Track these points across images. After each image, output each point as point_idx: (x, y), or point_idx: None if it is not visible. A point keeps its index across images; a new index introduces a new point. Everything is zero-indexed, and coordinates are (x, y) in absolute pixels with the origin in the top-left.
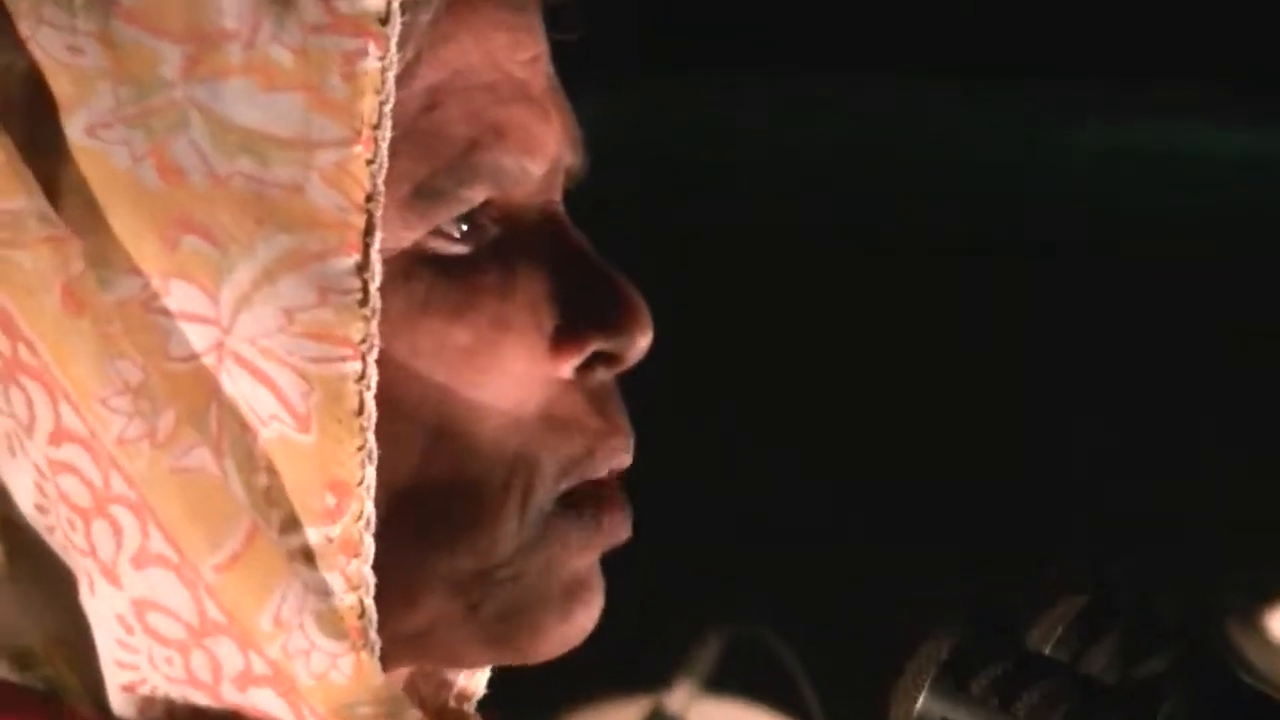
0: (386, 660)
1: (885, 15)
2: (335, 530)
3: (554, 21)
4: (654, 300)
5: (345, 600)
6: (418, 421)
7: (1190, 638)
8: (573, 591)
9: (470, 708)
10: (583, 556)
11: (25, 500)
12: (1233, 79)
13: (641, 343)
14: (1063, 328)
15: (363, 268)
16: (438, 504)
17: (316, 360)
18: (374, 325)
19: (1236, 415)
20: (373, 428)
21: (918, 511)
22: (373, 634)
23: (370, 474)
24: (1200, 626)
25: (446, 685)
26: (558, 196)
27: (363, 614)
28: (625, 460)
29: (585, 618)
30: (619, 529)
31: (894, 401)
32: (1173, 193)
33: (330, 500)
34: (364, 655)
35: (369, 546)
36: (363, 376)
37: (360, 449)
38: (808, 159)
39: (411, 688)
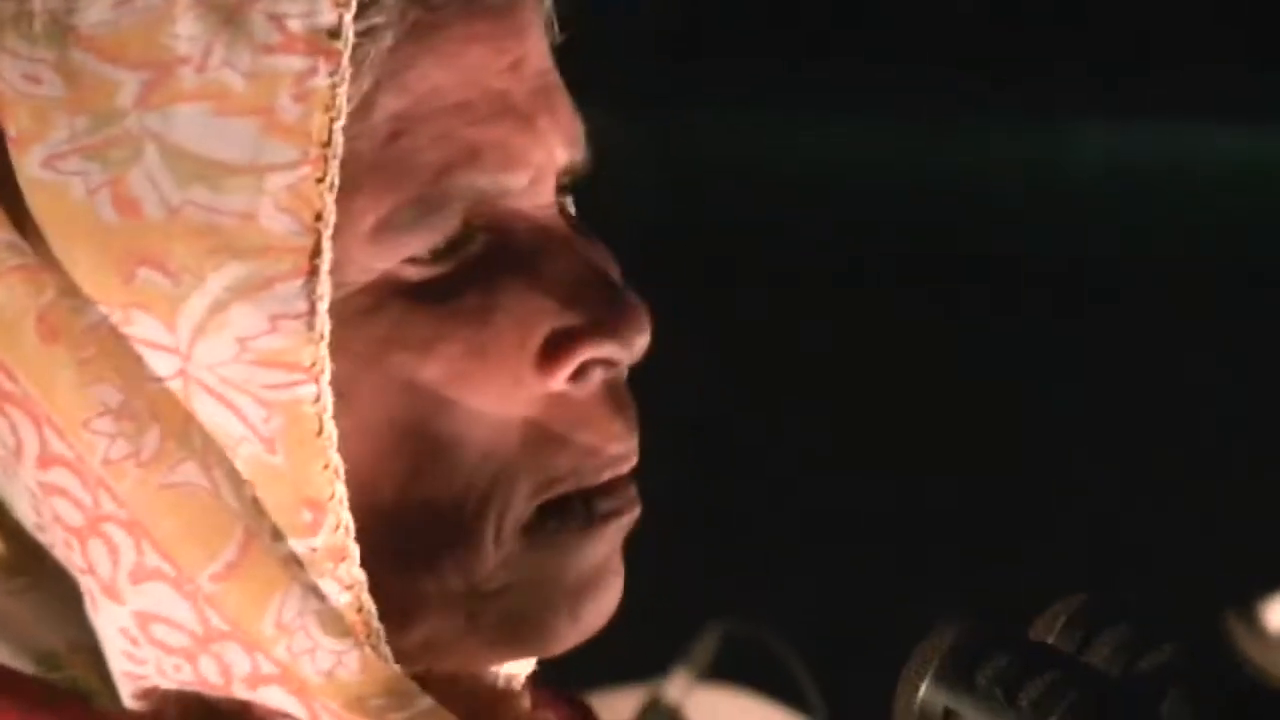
0: (403, 663)
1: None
2: (318, 541)
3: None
4: (663, 291)
5: (342, 599)
6: (393, 449)
7: (1193, 630)
8: (579, 590)
9: (518, 685)
10: (584, 553)
11: (25, 518)
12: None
13: (637, 344)
14: (1063, 334)
15: (312, 290)
16: (419, 526)
17: (272, 387)
18: (323, 348)
19: (1236, 412)
20: (335, 446)
21: (921, 507)
22: (375, 624)
23: (340, 489)
24: (1201, 620)
25: (489, 673)
26: (548, 199)
27: (361, 609)
28: (621, 469)
29: (596, 612)
30: (623, 510)
31: (903, 400)
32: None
33: (307, 516)
34: (369, 650)
35: (354, 549)
36: (318, 399)
37: (326, 467)
38: (820, 168)
39: (456, 674)
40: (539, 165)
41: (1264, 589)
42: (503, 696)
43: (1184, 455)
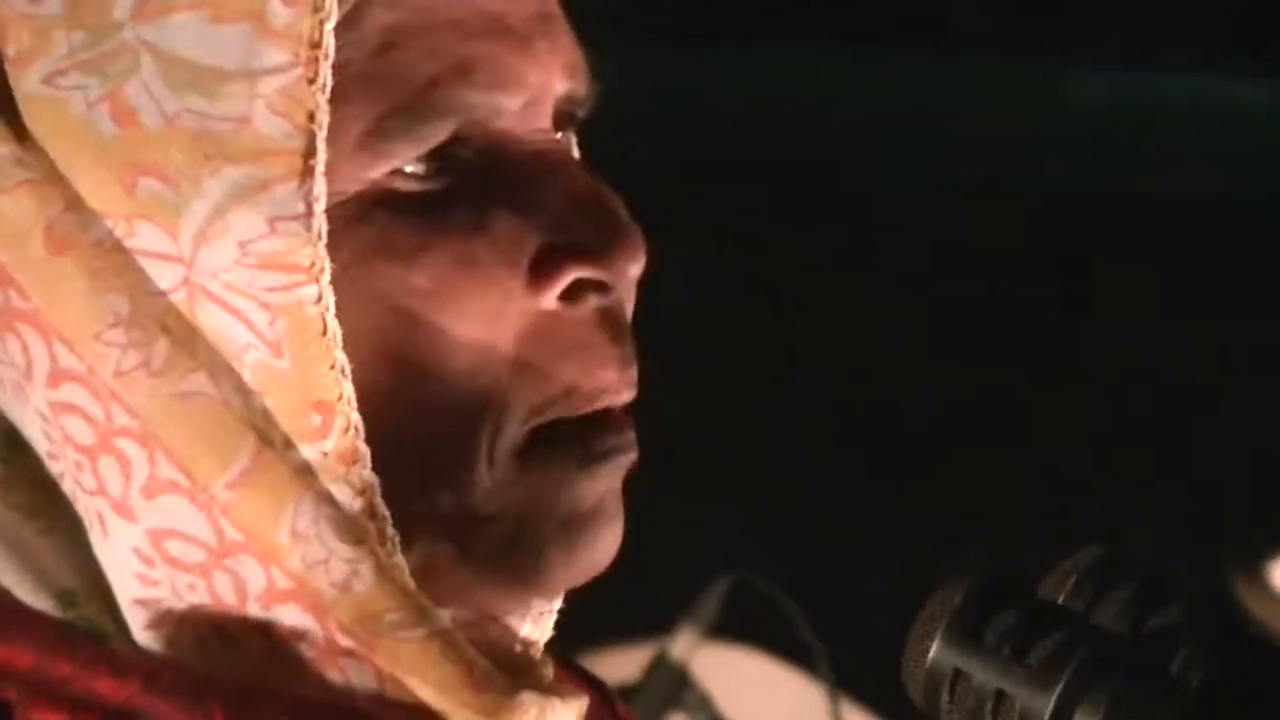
0: None
1: None
2: (329, 444)
3: None
4: (683, 243)
5: (355, 504)
6: (383, 360)
7: (1201, 588)
8: (573, 526)
9: (536, 653)
10: (579, 487)
11: (39, 449)
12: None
13: (630, 269)
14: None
15: (308, 191)
16: (409, 444)
17: (274, 290)
18: (321, 248)
19: (1240, 370)
20: (340, 345)
21: (933, 460)
22: (389, 530)
23: (348, 388)
24: (1208, 578)
25: (509, 635)
26: (544, 124)
27: (375, 514)
28: (618, 397)
29: (592, 551)
30: (620, 449)
31: (909, 361)
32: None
33: (316, 419)
34: (384, 557)
35: (365, 452)
36: (319, 299)
37: (333, 367)
38: (833, 119)
39: (471, 639)
40: (535, 88)
41: (1271, 547)
42: (524, 662)
43: (1187, 403)
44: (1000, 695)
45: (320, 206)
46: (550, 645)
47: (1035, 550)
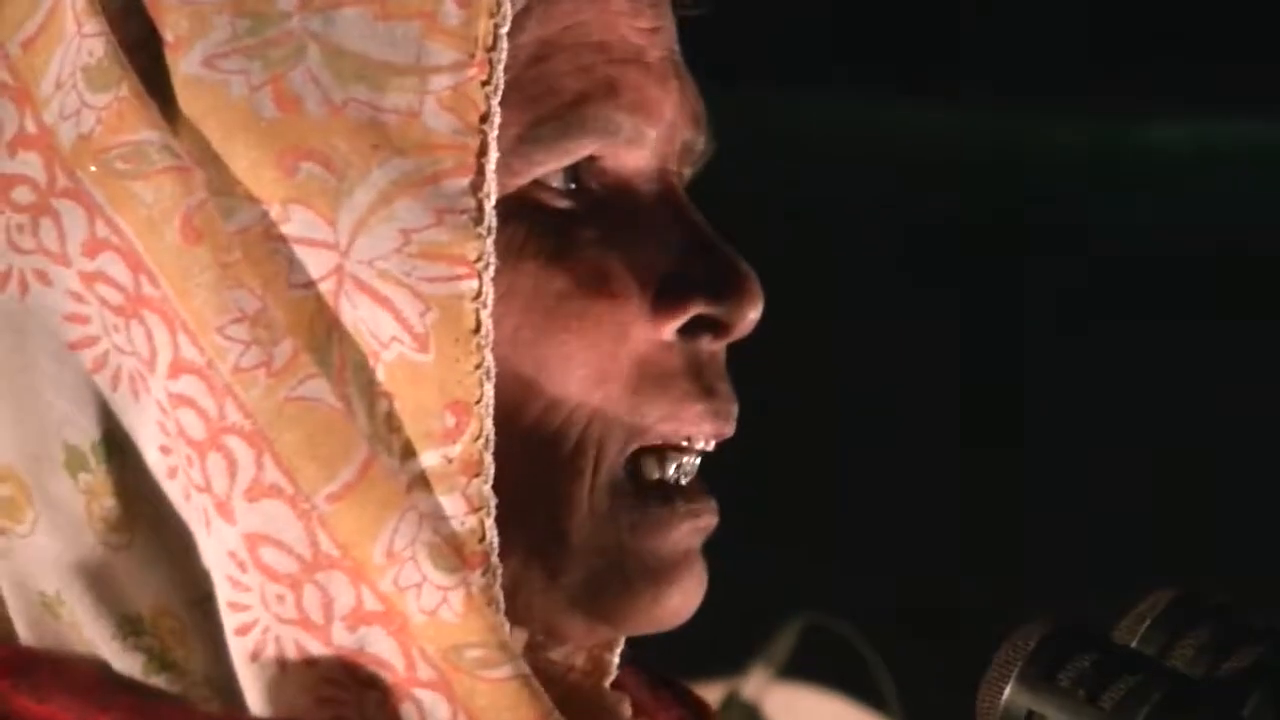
0: None
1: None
2: (455, 450)
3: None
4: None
5: (465, 524)
6: (509, 363)
7: (1275, 632)
8: (661, 573)
9: (615, 699)
10: (663, 541)
11: (150, 445)
12: None
13: (750, 314)
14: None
15: (478, 187)
16: (518, 458)
17: (432, 280)
18: (489, 243)
19: None
20: (489, 346)
21: (1009, 505)
22: (494, 559)
23: (489, 392)
24: None
25: (589, 674)
26: (674, 166)
27: (483, 538)
28: (720, 430)
29: (681, 600)
30: (700, 514)
31: (992, 389)
32: None
33: (450, 420)
34: (476, 587)
35: (489, 465)
36: (479, 295)
37: (478, 367)
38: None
39: (538, 670)
40: (669, 124)
41: None
42: (604, 703)
43: (1258, 447)
44: None
45: (490, 203)
46: (645, 663)
47: (1108, 593)
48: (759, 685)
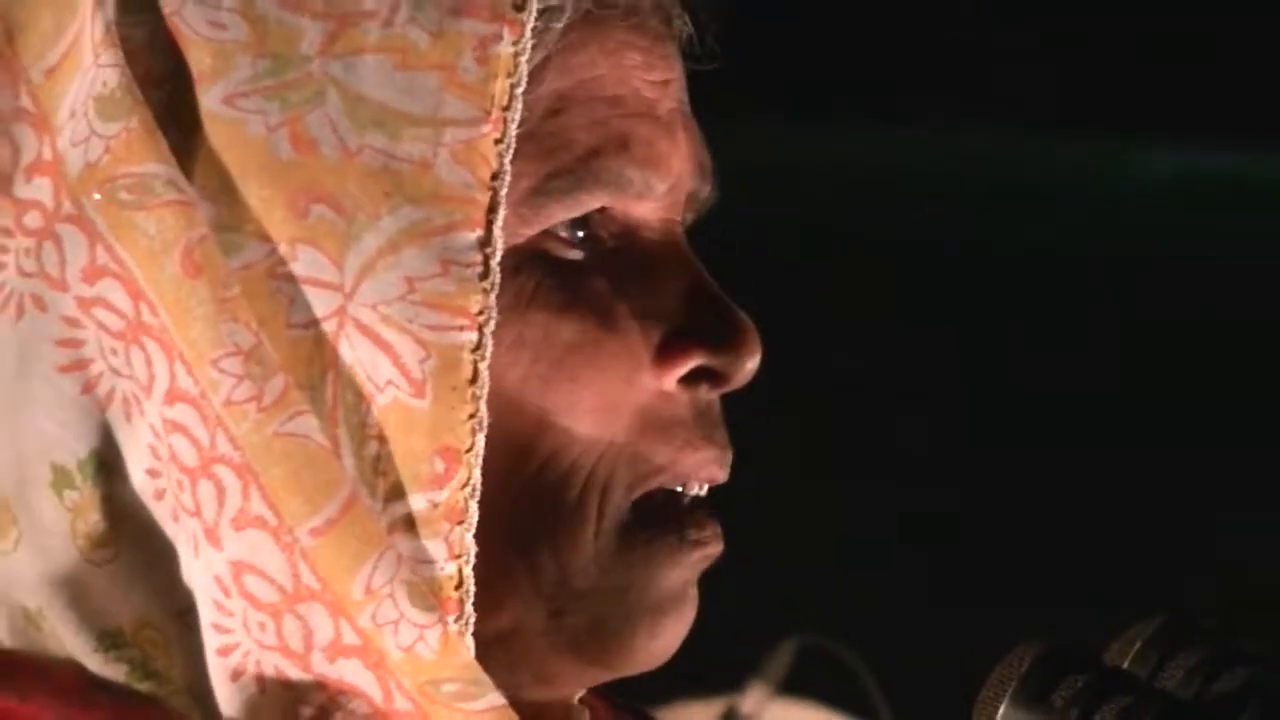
0: (478, 653)
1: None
2: (442, 495)
3: (692, 52)
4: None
5: (445, 569)
6: (516, 410)
7: (1263, 655)
8: (662, 607)
9: (574, 700)
10: (671, 572)
11: (138, 466)
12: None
13: (749, 365)
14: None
15: (485, 243)
16: (524, 503)
17: (434, 328)
18: (492, 298)
19: None
20: (485, 397)
21: (1003, 525)
22: (468, 607)
23: (479, 442)
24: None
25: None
26: (678, 216)
27: (460, 584)
28: (716, 475)
29: (673, 634)
30: (708, 543)
31: (986, 409)
32: None
33: (439, 466)
34: (452, 629)
35: (473, 514)
36: (478, 347)
37: (472, 416)
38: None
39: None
40: (677, 176)
41: None
42: (560, 711)
43: (1251, 471)
44: None
45: (496, 260)
46: (613, 690)
47: (1106, 615)
48: (757, 701)
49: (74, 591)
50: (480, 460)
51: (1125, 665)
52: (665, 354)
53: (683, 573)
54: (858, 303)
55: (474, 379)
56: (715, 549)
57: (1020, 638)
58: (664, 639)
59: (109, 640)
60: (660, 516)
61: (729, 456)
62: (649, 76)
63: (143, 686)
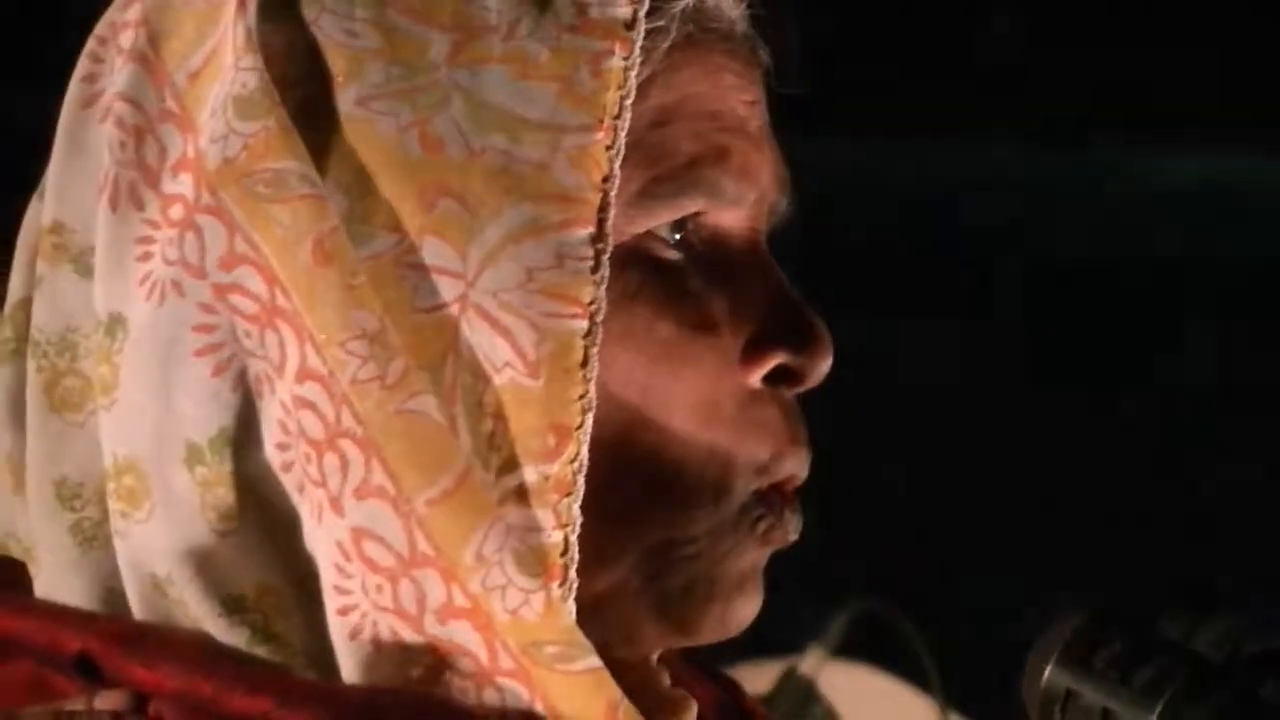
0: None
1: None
2: (553, 469)
3: (775, 76)
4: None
5: (552, 538)
6: (623, 396)
7: None
8: (741, 584)
9: (681, 696)
10: (758, 551)
11: (270, 438)
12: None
13: (823, 365)
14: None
15: (596, 239)
16: (637, 476)
17: (550, 315)
18: (602, 290)
19: None
20: (594, 380)
21: (1053, 496)
22: (572, 573)
23: (589, 421)
24: None
25: (659, 676)
26: (762, 226)
27: (565, 551)
28: (803, 472)
29: (747, 611)
30: (791, 533)
31: (1036, 387)
32: None
33: (551, 441)
34: (555, 594)
35: (580, 487)
36: (589, 333)
37: (582, 397)
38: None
39: (624, 677)
40: (763, 188)
41: None
42: (671, 702)
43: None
44: (1107, 713)
45: (606, 256)
46: (681, 653)
47: (1149, 582)
48: (815, 663)
49: (200, 560)
50: (588, 438)
51: (1166, 632)
52: (751, 353)
53: (763, 552)
54: (925, 300)
55: (585, 363)
56: (792, 538)
57: (1069, 605)
58: (736, 617)
59: (232, 605)
60: (770, 504)
61: (807, 461)
62: (742, 96)
63: (262, 650)
